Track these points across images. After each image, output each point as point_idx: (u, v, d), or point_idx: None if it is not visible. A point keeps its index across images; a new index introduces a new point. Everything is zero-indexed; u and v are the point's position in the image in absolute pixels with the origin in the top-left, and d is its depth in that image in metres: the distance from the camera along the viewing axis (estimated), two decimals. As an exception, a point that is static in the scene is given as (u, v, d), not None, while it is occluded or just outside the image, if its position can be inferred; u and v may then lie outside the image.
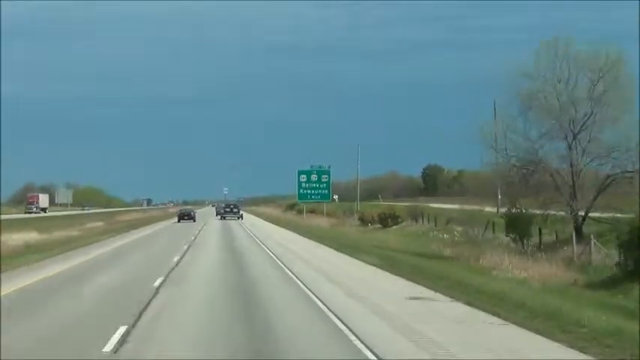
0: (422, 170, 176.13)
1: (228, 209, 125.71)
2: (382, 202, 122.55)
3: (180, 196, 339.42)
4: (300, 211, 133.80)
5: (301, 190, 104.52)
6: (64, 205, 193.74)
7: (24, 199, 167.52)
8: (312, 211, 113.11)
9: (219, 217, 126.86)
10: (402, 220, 76.24)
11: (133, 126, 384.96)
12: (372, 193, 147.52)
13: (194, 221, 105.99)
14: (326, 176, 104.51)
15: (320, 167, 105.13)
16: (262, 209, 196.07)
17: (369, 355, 15.68)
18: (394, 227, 74.64)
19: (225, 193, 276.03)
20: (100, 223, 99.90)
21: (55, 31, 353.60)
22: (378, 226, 77.38)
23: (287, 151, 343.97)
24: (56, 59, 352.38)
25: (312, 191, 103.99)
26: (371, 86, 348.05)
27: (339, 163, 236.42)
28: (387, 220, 76.44)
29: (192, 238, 64.23)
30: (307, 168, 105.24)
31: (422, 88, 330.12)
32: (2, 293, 25.98)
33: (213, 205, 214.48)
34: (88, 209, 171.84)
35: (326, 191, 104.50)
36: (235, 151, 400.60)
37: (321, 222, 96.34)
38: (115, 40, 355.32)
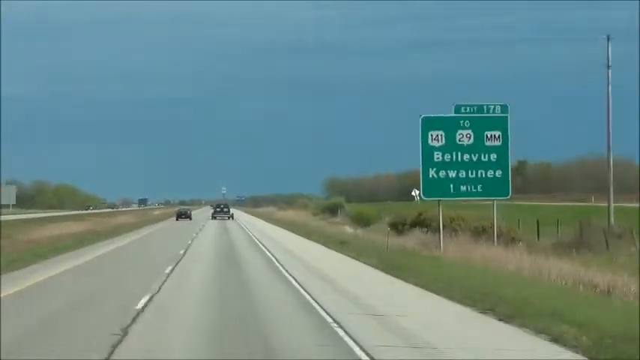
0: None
1: (219, 209, 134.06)
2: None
3: (178, 195, 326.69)
4: (359, 219, 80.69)
5: (432, 171, 39.52)
6: (5, 207, 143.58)
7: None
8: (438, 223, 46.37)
9: (213, 218, 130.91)
10: None
11: (132, 125, 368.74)
12: (405, 190, 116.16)
13: (190, 219, 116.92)
14: (498, 133, 39.57)
15: (479, 108, 40.05)
16: (280, 214, 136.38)
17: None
18: None
19: (224, 192, 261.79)
20: None
21: (55, 30, 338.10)
22: None
23: (289, 149, 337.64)
24: (55, 59, 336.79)
25: (461, 171, 39.26)
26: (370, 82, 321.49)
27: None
28: None
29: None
30: (434, 114, 40.30)
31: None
32: None
33: (211, 206, 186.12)
34: None
35: (499, 172, 39.66)
36: (235, 149, 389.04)
37: (558, 269, 29.49)
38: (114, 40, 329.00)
